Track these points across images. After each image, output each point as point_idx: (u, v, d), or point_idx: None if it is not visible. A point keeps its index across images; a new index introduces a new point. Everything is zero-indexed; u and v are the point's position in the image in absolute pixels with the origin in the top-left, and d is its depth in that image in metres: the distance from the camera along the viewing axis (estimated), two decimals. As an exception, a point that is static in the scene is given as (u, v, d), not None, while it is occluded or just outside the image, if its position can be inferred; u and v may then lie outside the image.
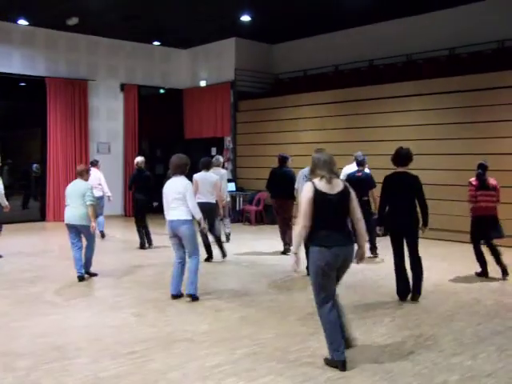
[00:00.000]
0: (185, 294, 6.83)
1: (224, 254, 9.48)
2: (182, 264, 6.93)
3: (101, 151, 15.66)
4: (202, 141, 16.78)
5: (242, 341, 5.34)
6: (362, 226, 4.81)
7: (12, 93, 15.70)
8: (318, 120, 14.14)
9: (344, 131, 13.44)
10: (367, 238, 4.94)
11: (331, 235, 4.65)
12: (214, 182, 9.21)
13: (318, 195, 4.63)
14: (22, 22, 14.13)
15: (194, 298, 6.75)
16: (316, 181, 4.72)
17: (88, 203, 7.78)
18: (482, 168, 8.14)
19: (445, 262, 9.30)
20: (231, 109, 16.15)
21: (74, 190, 7.93)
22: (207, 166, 9.41)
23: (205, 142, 16.63)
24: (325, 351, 4.84)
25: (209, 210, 8.86)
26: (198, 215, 6.86)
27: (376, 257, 9.62)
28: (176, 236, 6.83)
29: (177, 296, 6.87)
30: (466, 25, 12.53)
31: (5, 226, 12.24)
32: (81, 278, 7.84)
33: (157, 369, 4.64)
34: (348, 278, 8.11)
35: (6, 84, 14.85)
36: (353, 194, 4.77)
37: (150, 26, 14.61)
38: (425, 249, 10.52)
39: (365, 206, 8.92)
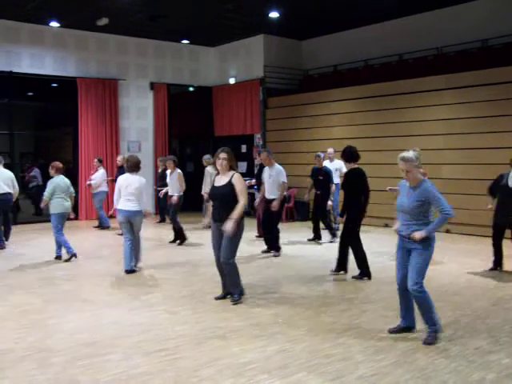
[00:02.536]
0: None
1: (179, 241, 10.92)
2: (132, 243, 8.33)
3: (131, 150, 15.79)
4: (232, 138, 16.80)
5: (273, 337, 5.32)
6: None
7: (44, 94, 15.97)
8: (348, 115, 14.02)
9: (374, 126, 13.32)
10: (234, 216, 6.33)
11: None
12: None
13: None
14: (54, 24, 14.35)
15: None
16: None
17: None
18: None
19: (477, 257, 9.13)
20: (261, 106, 16.13)
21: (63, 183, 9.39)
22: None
23: (234, 140, 16.64)
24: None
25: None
26: (148, 209, 8.74)
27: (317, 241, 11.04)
28: (128, 222, 8.31)
29: (131, 271, 8.27)
30: (498, 15, 12.28)
31: (37, 225, 12.65)
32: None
33: (189, 366, 4.65)
34: (381, 275, 8.06)
35: (38, 85, 15.12)
36: (235, 187, 6.39)
37: (178, 24, 14.68)
38: (457, 244, 10.46)
39: (317, 199, 10.92)
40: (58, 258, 9.38)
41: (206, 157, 12.79)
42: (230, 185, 6.42)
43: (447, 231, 11.66)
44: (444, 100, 12.13)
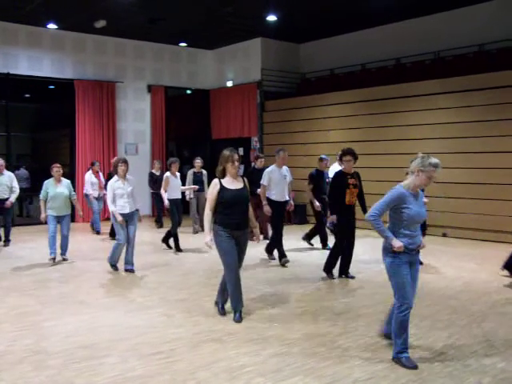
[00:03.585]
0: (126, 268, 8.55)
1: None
2: None
3: (128, 152, 15.81)
4: (229, 141, 16.76)
5: (269, 341, 5.32)
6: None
7: (42, 95, 15.96)
8: (345, 119, 14.05)
9: (371, 130, 13.34)
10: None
11: None
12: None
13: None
14: (52, 26, 14.36)
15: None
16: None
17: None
18: None
19: (474, 261, 9.15)
20: (258, 109, 16.15)
21: None
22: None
23: (232, 143, 16.58)
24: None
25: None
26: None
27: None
28: None
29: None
30: (494, 20, 12.32)
31: (34, 227, 12.58)
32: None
33: (185, 369, 4.66)
34: (378, 279, 8.06)
35: (36, 87, 15.12)
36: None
37: (176, 27, 14.70)
38: (453, 248, 10.48)
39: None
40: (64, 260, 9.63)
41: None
42: (246, 187, 6.07)
43: (444, 235, 11.69)
44: (440, 104, 12.15)
